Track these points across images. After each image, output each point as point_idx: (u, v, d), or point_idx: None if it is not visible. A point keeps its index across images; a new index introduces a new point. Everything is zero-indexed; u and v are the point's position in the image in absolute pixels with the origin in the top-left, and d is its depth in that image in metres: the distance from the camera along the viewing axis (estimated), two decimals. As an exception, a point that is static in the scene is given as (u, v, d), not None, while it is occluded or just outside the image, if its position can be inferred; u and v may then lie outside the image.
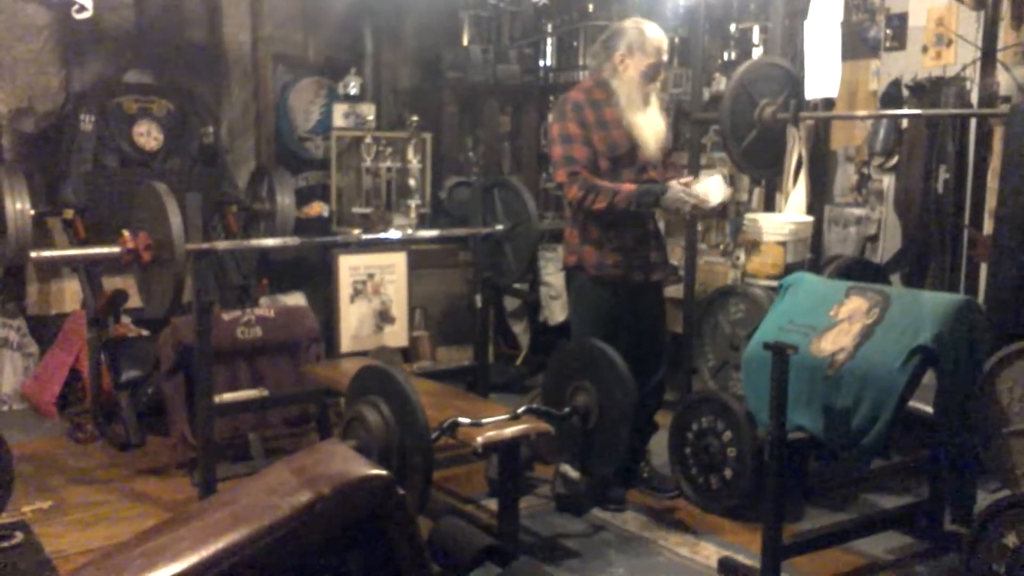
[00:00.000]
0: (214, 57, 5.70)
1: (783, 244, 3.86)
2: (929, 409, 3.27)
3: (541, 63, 6.09)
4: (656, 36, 3.65)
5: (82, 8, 4.10)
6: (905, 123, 4.56)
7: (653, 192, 3.57)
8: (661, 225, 4.09)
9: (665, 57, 3.72)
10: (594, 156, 3.64)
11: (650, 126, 3.68)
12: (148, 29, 5.46)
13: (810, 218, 4.06)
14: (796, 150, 4.09)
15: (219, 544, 1.91)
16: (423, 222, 5.44)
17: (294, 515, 1.96)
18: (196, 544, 1.93)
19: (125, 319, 4.83)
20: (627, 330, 3.79)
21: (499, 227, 4.30)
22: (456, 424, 3.10)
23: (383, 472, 2.10)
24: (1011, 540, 2.76)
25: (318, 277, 5.47)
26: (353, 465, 2.13)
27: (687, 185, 3.59)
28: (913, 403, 3.16)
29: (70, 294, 5.11)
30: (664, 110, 3.82)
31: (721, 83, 5.19)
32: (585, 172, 3.61)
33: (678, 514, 3.74)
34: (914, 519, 3.49)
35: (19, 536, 3.39)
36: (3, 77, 5.07)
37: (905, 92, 4.53)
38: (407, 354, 5.29)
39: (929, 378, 3.15)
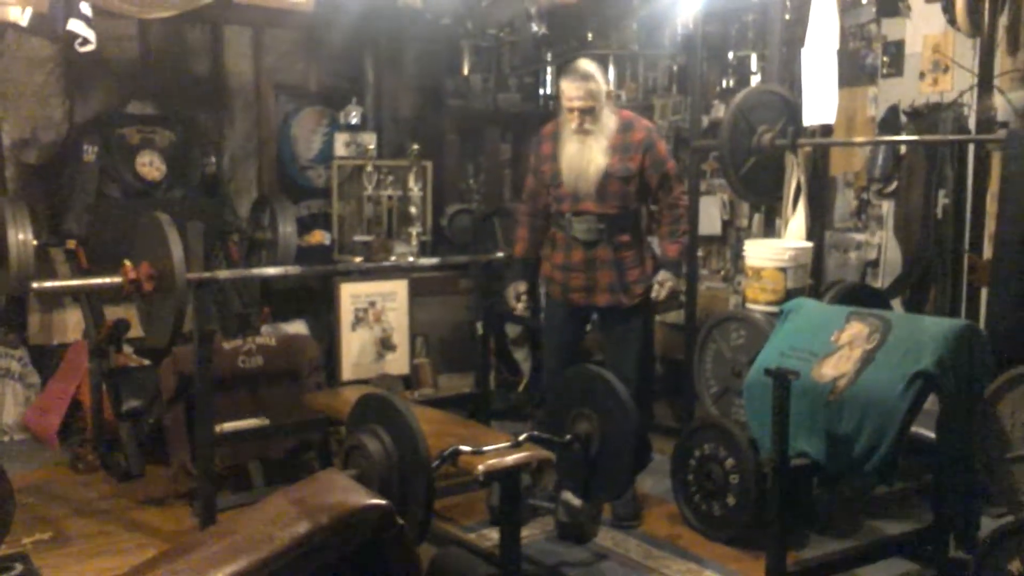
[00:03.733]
0: (216, 87, 5.75)
1: (783, 270, 3.86)
2: (932, 434, 3.26)
3: (541, 91, 6.13)
4: (564, 81, 3.86)
5: (86, 41, 4.13)
6: (904, 149, 4.57)
7: (512, 271, 4.17)
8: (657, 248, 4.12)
9: (569, 103, 3.80)
10: (540, 186, 4.01)
11: (570, 160, 3.85)
12: (151, 60, 5.51)
13: (810, 244, 4.07)
14: (795, 176, 4.11)
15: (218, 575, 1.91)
16: (424, 250, 5.45)
17: (293, 546, 1.96)
18: None
19: (127, 349, 4.83)
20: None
21: (499, 254, 4.31)
22: (457, 452, 3.08)
23: (382, 502, 2.09)
24: (1016, 566, 2.74)
25: (320, 305, 5.47)
26: (352, 495, 2.13)
27: (661, 284, 3.94)
28: (915, 428, 3.15)
29: (72, 324, 5.11)
30: (630, 149, 3.88)
31: (720, 110, 5.22)
32: (523, 206, 4.14)
33: (681, 542, 3.72)
34: (918, 546, 3.46)
35: (19, 567, 3.37)
36: (7, 109, 5.10)
37: (903, 118, 4.55)
38: (408, 382, 5.28)
39: (931, 403, 3.15)
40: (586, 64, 3.86)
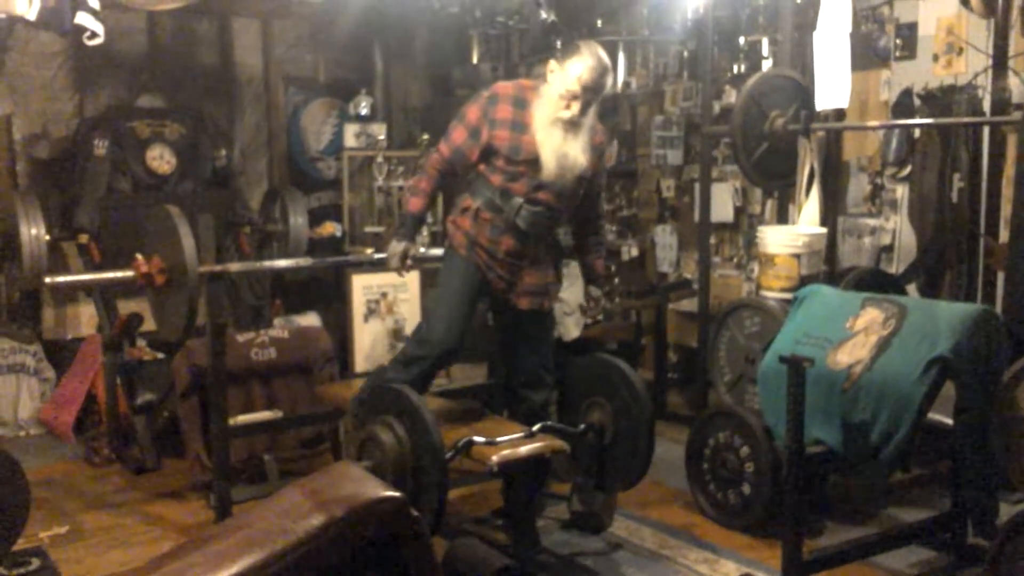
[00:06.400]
0: (226, 80, 5.75)
1: (797, 256, 3.83)
2: (949, 421, 3.23)
3: (551, 79, 6.09)
4: (582, 64, 3.24)
5: (94, 35, 4.12)
6: (917, 132, 4.53)
7: (403, 228, 3.52)
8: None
9: (583, 90, 3.25)
10: (475, 147, 3.38)
11: (558, 151, 3.31)
12: (160, 54, 5.51)
13: (824, 229, 4.04)
14: (808, 161, 4.07)
15: (233, 569, 1.91)
16: (435, 240, 5.44)
17: (307, 538, 1.95)
18: (210, 569, 1.93)
19: (140, 342, 4.84)
20: (504, 334, 3.61)
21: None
22: (471, 443, 3.08)
23: (396, 494, 2.08)
24: (1035, 553, 2.72)
25: (331, 297, 5.47)
26: (366, 487, 2.12)
27: (596, 301, 3.62)
28: (932, 414, 3.13)
29: (86, 318, 5.13)
30: (593, 152, 3.41)
31: (731, 96, 5.17)
32: (439, 158, 3.45)
33: (697, 531, 3.71)
34: (936, 533, 3.44)
35: (36, 562, 3.38)
36: (18, 104, 5.12)
37: (917, 101, 4.50)
38: (421, 372, 5.28)
39: (948, 389, 3.12)
40: (604, 53, 3.35)
